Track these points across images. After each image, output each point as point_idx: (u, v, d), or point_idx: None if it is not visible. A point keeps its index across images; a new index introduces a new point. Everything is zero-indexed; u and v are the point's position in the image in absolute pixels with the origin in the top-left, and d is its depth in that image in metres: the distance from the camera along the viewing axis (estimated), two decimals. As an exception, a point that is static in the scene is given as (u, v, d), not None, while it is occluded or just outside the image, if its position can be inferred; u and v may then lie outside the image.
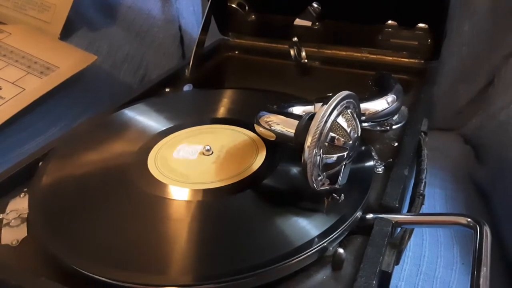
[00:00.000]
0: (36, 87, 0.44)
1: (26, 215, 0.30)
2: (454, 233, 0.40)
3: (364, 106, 0.35)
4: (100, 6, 0.59)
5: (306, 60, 0.52)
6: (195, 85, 0.49)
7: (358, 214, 0.28)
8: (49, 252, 0.26)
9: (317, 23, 0.53)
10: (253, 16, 0.57)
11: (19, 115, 0.43)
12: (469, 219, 0.26)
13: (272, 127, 0.29)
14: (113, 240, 0.27)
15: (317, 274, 0.26)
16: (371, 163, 0.32)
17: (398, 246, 0.28)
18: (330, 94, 0.28)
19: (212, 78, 0.54)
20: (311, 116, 0.25)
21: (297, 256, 0.25)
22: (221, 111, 0.41)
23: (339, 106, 0.25)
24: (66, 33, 0.54)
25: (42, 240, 0.27)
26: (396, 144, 0.37)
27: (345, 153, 0.26)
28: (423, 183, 0.34)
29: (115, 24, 0.59)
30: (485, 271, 0.22)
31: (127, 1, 0.60)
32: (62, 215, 0.29)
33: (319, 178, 0.26)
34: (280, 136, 0.29)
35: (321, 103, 0.26)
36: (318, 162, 0.25)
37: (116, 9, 0.60)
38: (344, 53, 0.52)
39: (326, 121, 0.25)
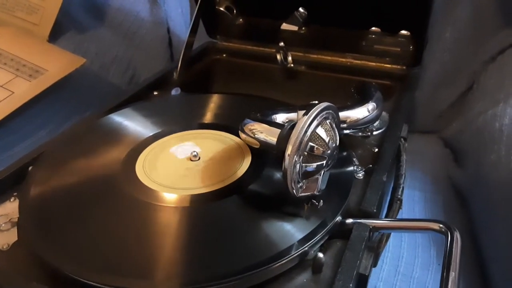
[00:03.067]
0: (25, 90, 0.45)
1: (16, 220, 0.31)
2: (431, 235, 0.42)
3: (346, 114, 0.36)
4: (89, 8, 0.60)
5: (292, 65, 0.53)
6: (183, 88, 0.50)
7: (338, 219, 0.29)
8: (39, 257, 0.27)
9: (303, 28, 0.54)
10: (241, 20, 0.58)
11: (8, 118, 0.44)
12: (441, 225, 0.27)
13: (255, 135, 0.30)
14: (102, 244, 0.28)
15: (298, 277, 0.27)
16: (351, 168, 0.34)
17: (375, 250, 0.30)
18: (313, 102, 0.29)
19: (200, 81, 0.55)
20: (292, 126, 0.27)
21: (279, 261, 0.26)
22: (208, 116, 0.42)
23: (318, 117, 0.26)
24: (55, 35, 0.54)
25: (33, 244, 0.28)
26: (377, 149, 0.38)
27: (324, 162, 0.27)
28: (401, 188, 0.35)
29: (103, 26, 0.60)
30: (453, 275, 0.24)
31: (115, 3, 0.60)
32: (52, 220, 0.30)
33: (299, 185, 0.27)
34: (264, 144, 0.30)
35: (303, 111, 0.27)
36: (298, 170, 0.26)
37: (105, 11, 0.60)
38: (329, 58, 0.53)
39: (305, 132, 0.26)
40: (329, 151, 0.27)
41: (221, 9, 0.58)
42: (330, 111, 0.28)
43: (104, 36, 0.59)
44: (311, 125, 0.26)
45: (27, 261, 0.28)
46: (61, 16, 0.55)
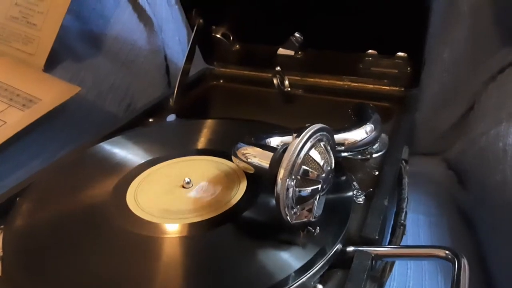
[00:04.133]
0: (17, 120, 0.44)
1: (1, 253, 0.29)
2: (438, 261, 0.40)
3: (343, 136, 0.35)
4: (86, 37, 0.60)
5: (289, 89, 0.53)
6: (180, 115, 0.49)
7: (338, 246, 0.28)
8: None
9: (299, 52, 0.54)
10: (237, 46, 0.58)
11: (0, 148, 0.43)
12: (447, 252, 0.26)
13: (248, 160, 0.29)
14: (91, 281, 0.26)
15: (296, 311, 0.25)
16: (350, 193, 0.32)
17: (379, 279, 0.28)
18: (308, 124, 0.28)
19: (197, 107, 0.55)
20: (285, 149, 0.26)
21: (273, 294, 0.24)
22: (202, 142, 0.41)
23: (311, 139, 0.25)
24: (51, 65, 0.54)
25: (17, 281, 0.27)
26: (377, 173, 0.37)
27: (319, 186, 0.26)
28: (404, 213, 0.34)
29: (100, 55, 0.60)
30: (462, 305, 0.22)
31: (112, 32, 0.61)
32: (38, 254, 0.28)
33: (293, 211, 0.26)
34: (257, 169, 0.29)
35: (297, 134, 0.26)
36: (291, 195, 0.25)
37: (102, 40, 0.61)
38: (326, 81, 0.53)
39: (298, 154, 0.25)
40: (323, 175, 0.26)
41: (218, 36, 0.58)
42: (324, 132, 0.27)
43: (101, 65, 0.59)
44: (304, 148, 0.25)
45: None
46: (58, 46, 0.55)
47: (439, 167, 0.55)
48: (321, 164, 0.26)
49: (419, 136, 0.57)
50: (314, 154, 0.26)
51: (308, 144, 0.26)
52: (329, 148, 0.27)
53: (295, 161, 0.25)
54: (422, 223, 0.45)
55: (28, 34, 0.54)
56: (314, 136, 0.26)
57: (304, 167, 0.25)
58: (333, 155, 0.28)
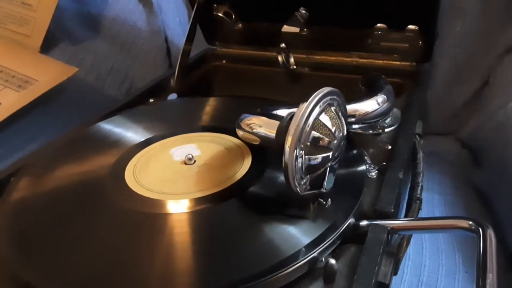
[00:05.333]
0: (13, 101, 0.42)
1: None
2: (455, 239, 0.38)
3: (354, 107, 0.33)
4: (83, 18, 0.58)
5: (295, 67, 0.51)
6: (181, 95, 0.47)
7: (351, 220, 0.26)
8: (18, 277, 0.24)
9: (305, 29, 0.52)
10: (240, 25, 0.56)
11: (-5, 130, 0.41)
12: (470, 222, 0.24)
13: (254, 130, 0.27)
14: (88, 262, 0.24)
15: (307, 288, 0.23)
16: (363, 167, 0.30)
17: (395, 255, 0.26)
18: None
19: (199, 88, 0.53)
20: (292, 116, 0.24)
21: (285, 269, 0.23)
22: (205, 119, 0.39)
23: (321, 103, 0.23)
24: (47, 47, 0.52)
25: (10, 263, 0.25)
26: (390, 147, 0.35)
27: (330, 154, 0.24)
28: (420, 187, 0.32)
29: (99, 37, 0.58)
30: (491, 278, 0.20)
31: (111, 13, 0.59)
32: (33, 237, 0.27)
33: (303, 181, 0.24)
34: (263, 139, 0.27)
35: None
36: (300, 164, 0.23)
37: (100, 21, 0.59)
38: (333, 58, 0.51)
39: (307, 119, 0.23)
40: (335, 141, 0.24)
41: (219, 14, 0.56)
42: (335, 97, 0.25)
43: (99, 47, 0.57)
44: (313, 112, 0.23)
45: (5, 281, 0.25)
46: (54, 27, 0.53)
47: (452, 146, 0.52)
48: (332, 130, 0.24)
49: (431, 115, 0.55)
50: (324, 119, 0.24)
51: (317, 109, 0.24)
52: (340, 114, 0.25)
53: (303, 127, 0.23)
54: (437, 203, 0.43)
55: (24, 15, 0.52)
56: (324, 100, 0.24)
57: (314, 132, 0.23)
58: (345, 122, 0.25)
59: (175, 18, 0.63)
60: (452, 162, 0.49)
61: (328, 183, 0.25)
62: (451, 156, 0.51)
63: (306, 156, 0.24)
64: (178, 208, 0.27)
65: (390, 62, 0.48)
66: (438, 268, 0.35)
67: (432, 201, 0.43)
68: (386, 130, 0.37)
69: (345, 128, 0.25)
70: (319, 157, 0.24)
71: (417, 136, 0.37)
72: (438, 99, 0.54)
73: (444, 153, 0.51)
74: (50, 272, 0.24)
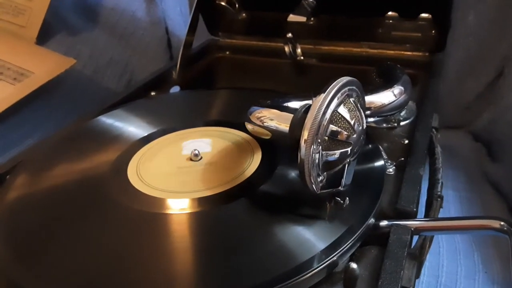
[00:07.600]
0: (8, 94, 0.40)
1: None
2: (473, 238, 0.36)
3: (368, 99, 0.31)
4: (80, 8, 0.56)
5: (302, 58, 0.49)
6: (183, 88, 0.46)
7: (371, 221, 0.24)
8: (12, 281, 0.22)
9: (312, 19, 0.50)
10: (244, 14, 0.54)
11: (-10, 125, 0.39)
12: (502, 223, 0.22)
13: (265, 123, 0.25)
14: (87, 265, 0.23)
15: (327, 295, 0.22)
16: (381, 162, 0.29)
17: (418, 257, 0.25)
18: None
19: (202, 80, 0.51)
20: (308, 108, 0.22)
21: (302, 274, 0.21)
22: (211, 113, 0.37)
23: (339, 94, 0.21)
24: (44, 38, 0.50)
25: (4, 268, 0.23)
26: (406, 141, 0.33)
27: (349, 149, 0.22)
28: (440, 184, 0.30)
29: (96, 27, 0.56)
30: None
31: (109, 2, 0.56)
32: (29, 239, 0.25)
33: (319, 179, 0.22)
34: (275, 133, 0.25)
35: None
36: (317, 160, 0.21)
37: (98, 11, 0.56)
38: (342, 48, 0.49)
39: (325, 112, 0.21)
40: (354, 135, 0.22)
41: (222, 3, 0.54)
42: (354, 87, 0.23)
43: (97, 38, 0.55)
44: (331, 104, 0.21)
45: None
46: (51, 18, 0.51)
47: (465, 140, 0.51)
48: (352, 123, 0.22)
49: (442, 108, 0.53)
50: (343, 111, 0.22)
51: (336, 100, 0.22)
52: (359, 105, 0.23)
53: (321, 120, 0.21)
54: (452, 199, 0.41)
55: (19, 5, 0.50)
56: (343, 91, 0.22)
57: (332, 126, 0.21)
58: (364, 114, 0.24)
59: (175, 8, 0.61)
60: (466, 157, 0.48)
61: (346, 180, 0.23)
62: (464, 150, 0.49)
63: (324, 152, 0.22)
64: (185, 207, 0.25)
65: (402, 52, 0.46)
66: (457, 269, 0.33)
67: (447, 197, 0.41)
68: (402, 123, 0.35)
69: (365, 121, 0.24)
70: (337, 152, 0.22)
71: (433, 130, 0.36)
72: (450, 90, 0.53)
73: (456, 147, 0.49)
74: (46, 273, 0.22)
